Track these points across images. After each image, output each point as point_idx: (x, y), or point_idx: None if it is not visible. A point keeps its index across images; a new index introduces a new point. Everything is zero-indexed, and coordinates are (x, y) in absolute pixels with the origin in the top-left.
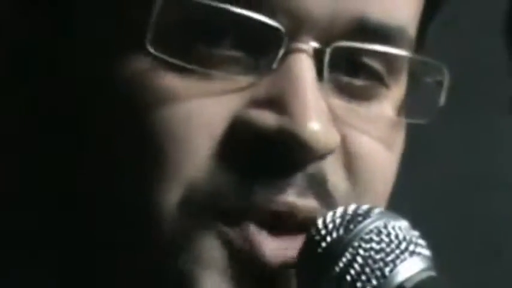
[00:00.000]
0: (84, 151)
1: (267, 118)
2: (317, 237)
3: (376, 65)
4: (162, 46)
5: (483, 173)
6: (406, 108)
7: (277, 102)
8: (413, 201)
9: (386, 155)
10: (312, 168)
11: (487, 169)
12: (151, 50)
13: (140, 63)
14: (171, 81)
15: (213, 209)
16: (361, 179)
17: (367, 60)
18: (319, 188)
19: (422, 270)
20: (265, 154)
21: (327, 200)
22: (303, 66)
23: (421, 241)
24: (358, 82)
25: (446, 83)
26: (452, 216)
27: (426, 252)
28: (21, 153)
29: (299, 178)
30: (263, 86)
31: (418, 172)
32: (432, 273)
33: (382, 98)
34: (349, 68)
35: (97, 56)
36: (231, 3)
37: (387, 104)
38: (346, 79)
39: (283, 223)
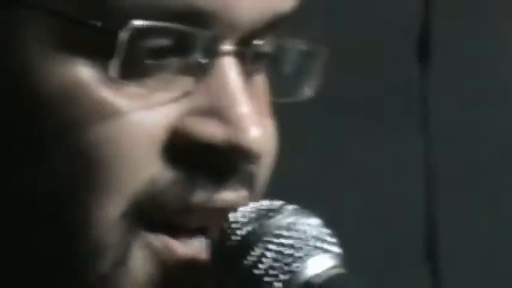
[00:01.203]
0: (19, 165)
1: (211, 129)
2: (228, 231)
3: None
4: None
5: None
6: (281, 88)
7: (216, 112)
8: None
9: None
10: (246, 166)
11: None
12: (122, 79)
13: (81, 77)
14: (109, 94)
15: (153, 219)
16: (265, 160)
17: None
18: (249, 180)
19: (332, 268)
20: (206, 161)
21: (254, 187)
22: (234, 71)
23: (331, 239)
24: (259, 64)
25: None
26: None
27: (336, 249)
28: None
29: (236, 177)
30: (199, 94)
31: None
32: (341, 270)
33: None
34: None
35: (35, 61)
36: (164, 20)
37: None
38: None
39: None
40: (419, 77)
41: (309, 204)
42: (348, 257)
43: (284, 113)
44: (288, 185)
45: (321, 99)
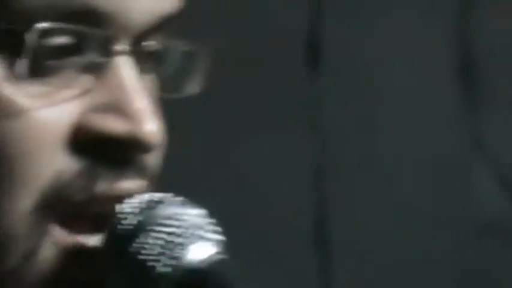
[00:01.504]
0: None
1: (111, 123)
2: (116, 221)
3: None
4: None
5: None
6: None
7: (116, 108)
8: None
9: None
10: (142, 157)
11: None
12: (27, 78)
13: None
14: (14, 93)
15: (60, 211)
16: (158, 151)
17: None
18: (145, 170)
19: (214, 254)
20: (108, 153)
21: (149, 177)
22: (129, 70)
23: (214, 227)
24: (148, 63)
25: (203, 59)
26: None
27: (219, 237)
28: None
29: (134, 167)
30: (99, 91)
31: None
32: (223, 256)
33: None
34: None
35: None
36: (65, 21)
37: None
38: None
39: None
40: (308, 78)
41: (193, 199)
42: (233, 255)
43: (170, 109)
44: (173, 180)
45: (209, 98)
